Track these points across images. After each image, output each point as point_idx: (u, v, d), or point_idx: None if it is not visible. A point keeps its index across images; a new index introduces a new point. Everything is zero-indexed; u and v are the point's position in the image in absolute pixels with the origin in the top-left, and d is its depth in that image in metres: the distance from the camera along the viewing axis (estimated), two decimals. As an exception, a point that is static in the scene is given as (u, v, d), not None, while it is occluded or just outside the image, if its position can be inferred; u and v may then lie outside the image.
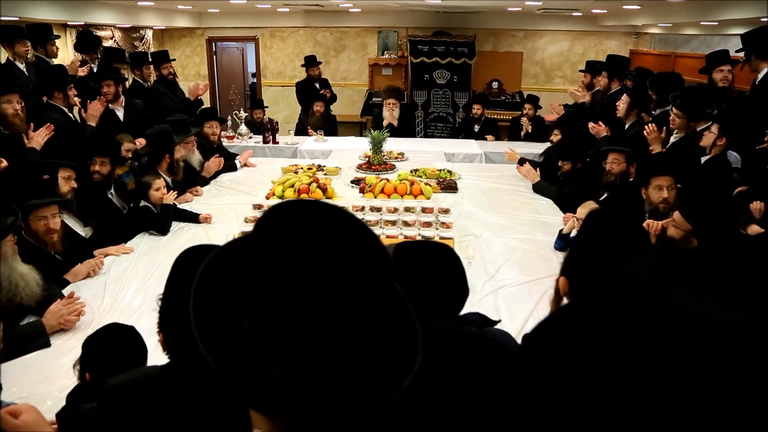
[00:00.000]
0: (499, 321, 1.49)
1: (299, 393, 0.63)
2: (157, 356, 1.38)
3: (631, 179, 4.05)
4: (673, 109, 4.19)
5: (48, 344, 2.41)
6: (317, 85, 7.54)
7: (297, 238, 0.65)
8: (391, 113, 6.69)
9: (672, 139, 4.28)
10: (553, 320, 0.50)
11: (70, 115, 4.66)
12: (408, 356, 0.70)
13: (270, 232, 0.67)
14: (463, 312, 1.41)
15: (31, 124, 3.87)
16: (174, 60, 6.59)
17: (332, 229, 0.66)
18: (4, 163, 3.37)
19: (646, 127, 4.29)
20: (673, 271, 0.45)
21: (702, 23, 6.34)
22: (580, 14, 8.59)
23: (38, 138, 3.83)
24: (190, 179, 4.76)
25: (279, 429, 0.69)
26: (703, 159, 3.74)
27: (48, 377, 2.17)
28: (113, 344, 1.67)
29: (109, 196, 3.98)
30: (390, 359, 0.68)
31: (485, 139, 6.94)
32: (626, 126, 4.86)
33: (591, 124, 4.92)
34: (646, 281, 0.45)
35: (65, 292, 2.84)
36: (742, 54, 4.22)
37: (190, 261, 1.21)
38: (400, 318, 0.72)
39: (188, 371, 1.15)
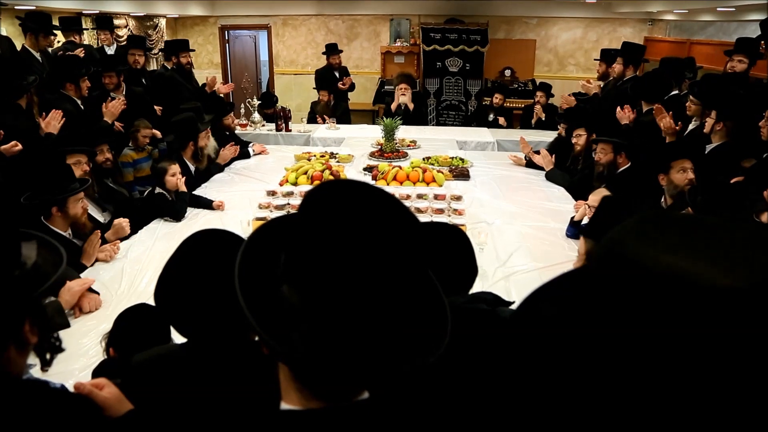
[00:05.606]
0: (513, 303, 1.50)
1: (328, 353, 0.67)
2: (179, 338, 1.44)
3: (620, 169, 4.10)
4: (690, 96, 4.16)
5: (67, 325, 2.47)
6: (336, 74, 7.53)
7: (341, 215, 0.69)
8: (402, 97, 6.67)
9: (690, 126, 4.25)
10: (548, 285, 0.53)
11: (82, 107, 4.68)
12: (437, 331, 0.74)
13: (316, 208, 0.71)
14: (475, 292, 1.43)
15: (42, 113, 3.92)
16: (193, 51, 6.68)
17: (371, 209, 0.70)
18: (19, 147, 3.44)
19: (662, 120, 4.24)
20: (654, 231, 0.48)
21: (719, 9, 6.26)
22: (594, 0, 8.51)
23: (53, 122, 3.86)
24: (206, 166, 4.81)
25: (307, 398, 0.73)
26: (709, 147, 3.73)
27: (69, 356, 2.22)
28: (143, 323, 1.73)
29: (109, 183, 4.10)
30: (417, 331, 0.71)
31: (498, 124, 6.92)
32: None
33: (618, 109, 4.88)
34: (626, 241, 0.48)
35: (83, 276, 2.90)
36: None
37: (196, 246, 1.26)
38: (429, 296, 0.76)
39: (204, 348, 1.20)
